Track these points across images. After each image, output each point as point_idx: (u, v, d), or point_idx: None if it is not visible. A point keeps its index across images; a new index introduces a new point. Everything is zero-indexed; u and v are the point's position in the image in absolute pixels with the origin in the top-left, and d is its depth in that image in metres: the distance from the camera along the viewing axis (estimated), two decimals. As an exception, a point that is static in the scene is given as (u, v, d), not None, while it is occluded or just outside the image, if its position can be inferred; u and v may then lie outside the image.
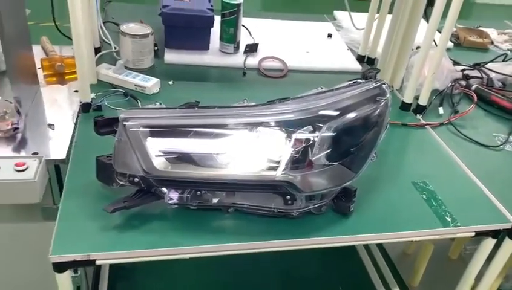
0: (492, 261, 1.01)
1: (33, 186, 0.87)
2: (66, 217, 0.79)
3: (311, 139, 0.78)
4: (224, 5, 1.35)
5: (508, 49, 1.76)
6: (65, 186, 0.85)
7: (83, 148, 0.95)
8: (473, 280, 1.05)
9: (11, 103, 1.02)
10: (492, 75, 1.46)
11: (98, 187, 0.85)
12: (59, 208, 0.81)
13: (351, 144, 0.83)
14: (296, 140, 0.77)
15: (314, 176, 0.79)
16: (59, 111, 1.10)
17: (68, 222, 0.78)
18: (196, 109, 0.83)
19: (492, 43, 1.80)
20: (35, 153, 0.94)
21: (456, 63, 1.51)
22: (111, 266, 1.41)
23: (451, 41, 1.76)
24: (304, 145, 0.77)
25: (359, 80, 0.94)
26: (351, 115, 0.82)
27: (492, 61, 1.56)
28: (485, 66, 1.51)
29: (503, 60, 1.63)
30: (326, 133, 0.79)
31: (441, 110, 1.27)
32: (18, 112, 1.00)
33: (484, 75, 1.45)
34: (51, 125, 1.04)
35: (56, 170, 1.00)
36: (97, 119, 0.80)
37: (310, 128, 0.78)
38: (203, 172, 0.76)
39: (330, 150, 0.79)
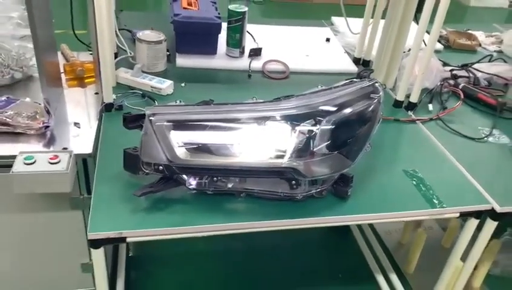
0: (476, 240, 1.10)
1: (65, 177, 0.96)
2: (100, 202, 0.89)
3: (313, 131, 0.88)
4: (231, 13, 1.45)
5: (494, 51, 1.85)
6: (95, 176, 0.95)
7: (108, 143, 1.06)
8: (459, 259, 1.14)
9: (40, 104, 1.13)
10: (479, 74, 1.55)
11: (125, 176, 0.94)
12: (92, 194, 0.91)
13: (348, 135, 0.93)
14: (300, 132, 0.88)
15: (316, 164, 0.89)
16: (81, 111, 1.19)
17: (101, 206, 0.88)
18: (212, 105, 0.94)
19: (480, 45, 1.89)
20: (65, 148, 1.04)
21: (445, 64, 1.60)
22: (128, 256, 1.51)
23: (442, 44, 1.85)
24: (306, 136, 0.88)
25: (354, 79, 1.04)
26: (348, 110, 0.93)
27: (478, 62, 1.66)
28: (472, 66, 1.60)
29: (489, 61, 1.73)
30: (326, 126, 0.89)
31: (431, 106, 1.37)
32: (48, 112, 1.11)
33: (471, 75, 1.54)
34: (76, 124, 1.13)
35: (83, 163, 1.11)
36: (125, 115, 0.91)
37: (312, 121, 0.89)
38: (219, 160, 0.87)
39: (329, 141, 0.89)
